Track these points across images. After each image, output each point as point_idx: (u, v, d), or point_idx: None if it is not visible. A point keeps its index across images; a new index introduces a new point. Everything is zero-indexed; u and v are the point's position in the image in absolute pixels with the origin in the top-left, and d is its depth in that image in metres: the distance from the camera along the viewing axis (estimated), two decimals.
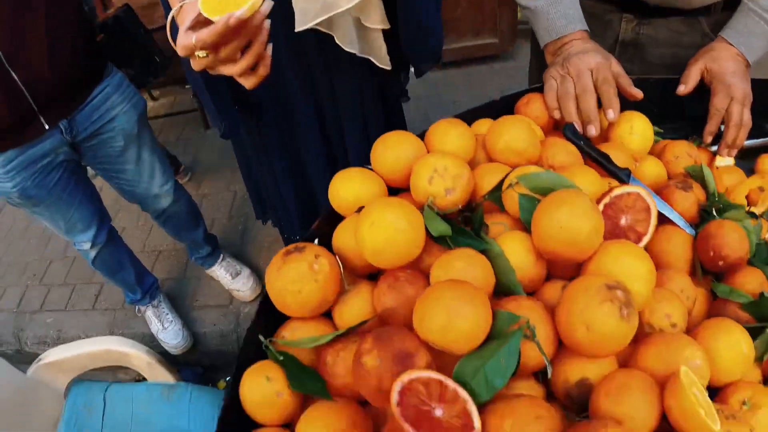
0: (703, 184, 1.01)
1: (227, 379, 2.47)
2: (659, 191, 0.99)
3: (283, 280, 0.82)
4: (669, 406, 0.69)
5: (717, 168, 1.13)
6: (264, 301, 0.88)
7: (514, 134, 0.93)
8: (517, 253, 0.81)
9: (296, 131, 1.52)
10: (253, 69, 0.87)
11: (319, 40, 1.27)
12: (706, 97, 1.14)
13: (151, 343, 2.36)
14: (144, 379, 1.66)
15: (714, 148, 1.15)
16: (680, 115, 1.18)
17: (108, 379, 1.78)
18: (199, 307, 2.55)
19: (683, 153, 1.06)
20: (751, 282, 0.90)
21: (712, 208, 0.97)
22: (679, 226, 0.96)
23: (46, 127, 1.64)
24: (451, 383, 0.69)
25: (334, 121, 1.49)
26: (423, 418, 0.64)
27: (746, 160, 1.15)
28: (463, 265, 0.77)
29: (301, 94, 1.42)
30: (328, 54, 1.33)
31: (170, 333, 2.35)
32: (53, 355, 1.41)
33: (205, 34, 0.79)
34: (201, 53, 0.83)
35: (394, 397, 0.65)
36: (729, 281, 0.92)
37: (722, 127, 1.13)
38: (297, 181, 1.66)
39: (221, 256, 2.53)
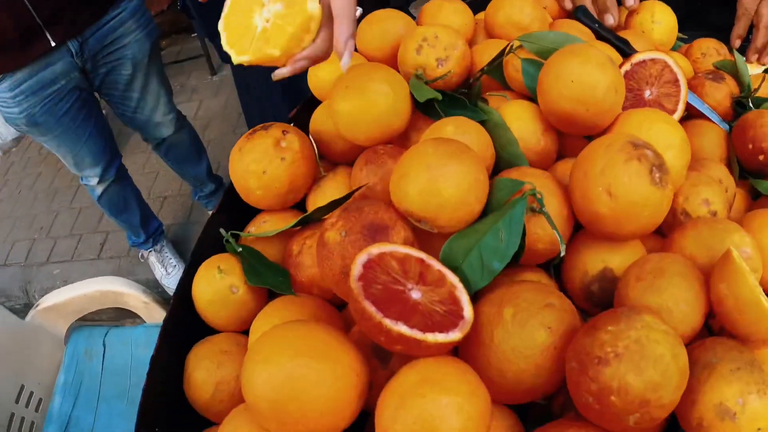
0: (736, 77, 0.76)
1: None
2: (690, 83, 0.75)
3: (246, 159, 0.60)
4: (719, 294, 0.46)
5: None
6: (227, 191, 0.66)
7: (517, 5, 0.69)
8: (521, 120, 0.58)
9: None
10: None
11: None
12: (732, 3, 0.89)
13: (156, 289, 2.13)
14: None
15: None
16: (704, 23, 0.93)
17: (112, 324, 1.58)
18: None
19: (711, 50, 0.81)
20: None
21: (748, 100, 0.73)
22: (711, 120, 0.72)
23: (52, 43, 1.41)
24: (435, 263, 0.47)
25: None
26: (393, 300, 0.42)
27: None
28: (455, 130, 0.55)
29: None
30: None
31: (174, 278, 2.10)
32: (50, 299, 1.22)
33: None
34: None
35: (356, 269, 0.42)
36: None
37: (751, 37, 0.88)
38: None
39: None
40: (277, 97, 1.53)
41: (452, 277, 0.46)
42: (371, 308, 0.40)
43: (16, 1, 1.29)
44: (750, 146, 0.68)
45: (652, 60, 0.61)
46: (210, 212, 2.26)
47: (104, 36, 1.50)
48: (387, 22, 0.70)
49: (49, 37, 1.38)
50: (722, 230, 0.52)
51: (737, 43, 0.88)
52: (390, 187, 0.50)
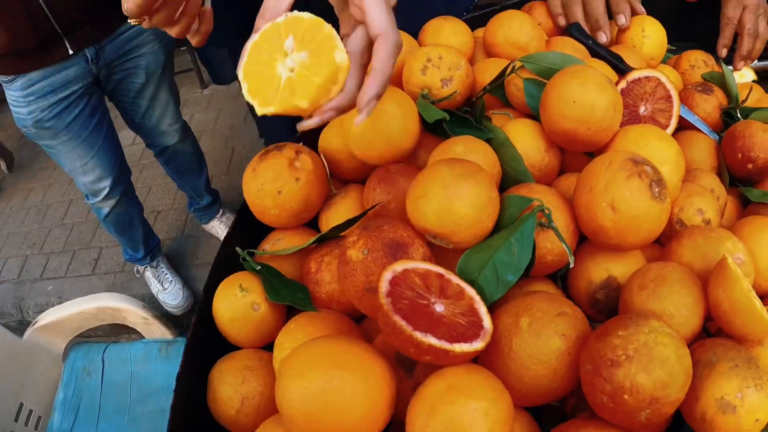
0: (724, 89, 0.83)
1: None
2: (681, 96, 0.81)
3: (261, 179, 0.65)
4: (716, 299, 0.52)
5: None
6: (241, 210, 0.71)
7: (516, 26, 0.75)
8: (525, 137, 0.63)
9: None
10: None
11: None
12: (717, 12, 0.97)
13: (151, 304, 2.18)
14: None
15: (730, 67, 0.97)
16: (691, 33, 1.00)
17: (108, 341, 1.61)
18: (200, 265, 2.35)
19: (699, 61, 0.88)
20: None
21: (736, 111, 0.79)
22: (701, 131, 0.78)
23: (70, 51, 1.46)
24: (454, 278, 0.52)
25: None
26: (419, 313, 0.47)
27: (764, 83, 0.97)
28: (464, 149, 0.60)
29: None
30: None
31: (170, 293, 2.16)
32: (47, 317, 1.25)
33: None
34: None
35: (384, 286, 0.47)
36: (760, 186, 0.75)
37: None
38: None
39: (221, 210, 2.31)
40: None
41: (470, 290, 0.52)
42: (402, 322, 0.45)
43: (37, 9, 1.34)
44: (739, 155, 0.75)
45: (647, 77, 0.67)
46: (204, 225, 2.33)
47: (121, 45, 1.55)
48: None
49: (67, 44, 1.43)
50: (716, 238, 0.59)
51: (724, 52, 0.95)
52: (407, 206, 0.55)
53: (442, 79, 0.68)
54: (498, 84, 0.69)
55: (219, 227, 2.32)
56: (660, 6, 0.92)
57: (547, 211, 0.54)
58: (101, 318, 1.33)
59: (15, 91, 1.50)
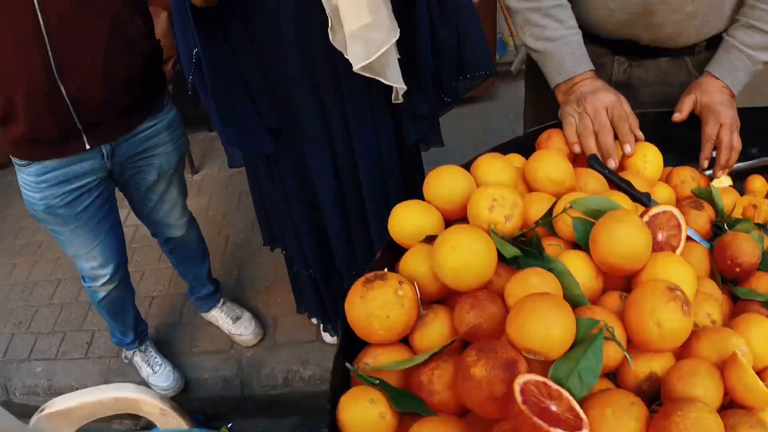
0: (712, 203, 1.27)
1: (229, 425, 2.62)
2: None
3: (370, 306, 0.99)
4: (732, 383, 0.91)
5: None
6: (345, 329, 1.04)
7: (553, 164, 1.15)
8: (579, 268, 1.01)
9: (309, 161, 1.80)
10: None
11: (334, 70, 1.57)
12: (696, 127, 1.43)
13: None
14: (151, 426, 1.71)
15: (708, 172, 1.42)
16: (674, 145, 1.45)
17: (101, 427, 1.83)
18: (199, 353, 2.68)
19: (688, 177, 1.32)
20: (765, 284, 1.16)
21: (723, 223, 1.23)
22: (695, 241, 1.21)
23: (87, 146, 1.76)
24: (553, 384, 0.88)
25: (347, 149, 1.77)
26: (544, 413, 0.83)
27: (737, 181, 1.43)
28: (538, 281, 0.97)
29: (315, 123, 1.71)
30: (341, 84, 1.62)
31: (161, 376, 2.47)
32: (58, 404, 1.45)
33: None
34: None
35: (518, 395, 0.83)
36: (746, 285, 1.17)
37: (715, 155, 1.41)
38: (311, 212, 1.92)
39: (221, 299, 2.66)
40: (288, 205, 1.93)
41: (566, 393, 0.88)
42: (540, 422, 0.80)
43: (61, 103, 1.67)
44: (729, 261, 1.17)
45: (663, 212, 1.08)
46: (203, 314, 2.74)
47: (137, 144, 1.90)
48: (454, 179, 1.12)
49: (85, 139, 1.77)
50: (724, 336, 0.98)
51: (705, 163, 1.40)
52: (510, 331, 0.91)
53: (506, 216, 1.06)
54: (547, 219, 1.08)
55: (220, 316, 2.66)
56: (646, 122, 1.36)
57: (611, 329, 0.92)
58: (116, 408, 1.57)
59: (28, 175, 1.79)
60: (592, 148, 1.27)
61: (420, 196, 1.16)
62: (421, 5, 1.52)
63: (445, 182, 1.13)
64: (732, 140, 1.37)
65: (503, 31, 4.50)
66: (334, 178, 1.84)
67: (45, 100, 1.64)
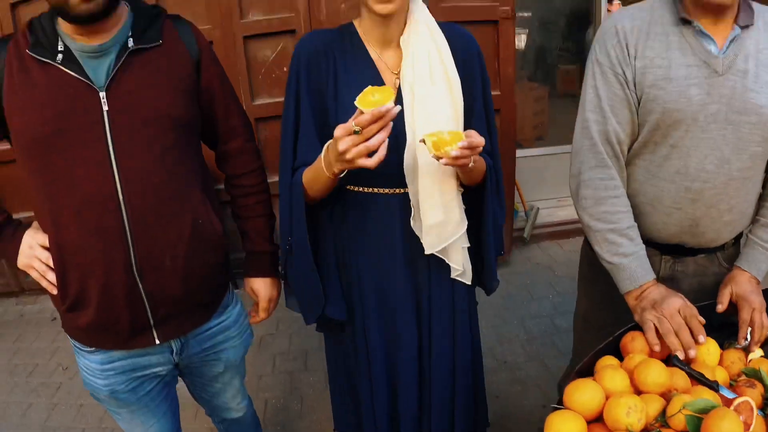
0: (760, 380, 1.73)
1: None
2: (734, 390, 1.70)
3: None
4: None
5: (750, 361, 1.86)
6: None
7: (656, 372, 1.60)
8: None
9: (395, 335, 2.10)
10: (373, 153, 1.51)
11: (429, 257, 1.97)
12: (725, 312, 1.90)
13: None
14: None
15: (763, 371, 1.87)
16: (714, 327, 1.92)
17: None
18: None
19: (736, 359, 1.79)
20: None
21: None
22: (759, 415, 1.66)
23: (157, 342, 1.82)
24: None
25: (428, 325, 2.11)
26: None
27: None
28: None
29: (405, 297, 2.05)
30: (432, 268, 2.02)
31: None
32: None
33: (362, 118, 1.46)
34: (356, 128, 1.46)
35: None
36: None
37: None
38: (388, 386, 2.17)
39: None
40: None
41: None
42: None
43: (138, 301, 1.70)
44: None
45: (744, 401, 1.53)
46: None
47: (205, 340, 1.99)
48: (591, 391, 1.55)
49: (155, 335, 1.81)
50: None
51: (743, 342, 1.85)
52: None
53: (638, 419, 1.48)
54: (663, 418, 1.52)
55: None
56: None
57: None
58: None
59: (92, 362, 1.84)
60: (676, 345, 1.70)
61: None
62: (489, 200, 1.98)
63: (586, 394, 1.55)
64: (763, 321, 1.85)
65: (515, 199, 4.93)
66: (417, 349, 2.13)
67: (121, 294, 1.65)
